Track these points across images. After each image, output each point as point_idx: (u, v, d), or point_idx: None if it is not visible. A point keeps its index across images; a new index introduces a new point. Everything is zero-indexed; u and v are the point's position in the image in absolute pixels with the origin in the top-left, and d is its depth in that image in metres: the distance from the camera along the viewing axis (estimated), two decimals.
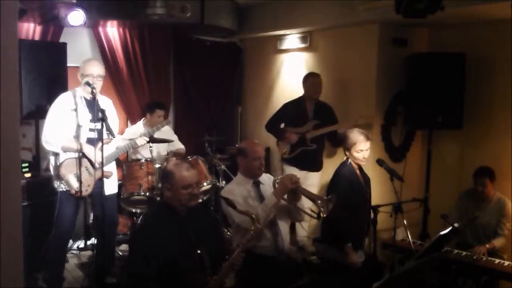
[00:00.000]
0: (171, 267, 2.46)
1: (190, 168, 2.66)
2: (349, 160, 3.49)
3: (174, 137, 5.22)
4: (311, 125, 4.79)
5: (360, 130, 3.47)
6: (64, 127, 3.65)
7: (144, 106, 5.25)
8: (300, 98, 4.97)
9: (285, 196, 2.97)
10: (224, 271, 2.55)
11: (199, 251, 2.55)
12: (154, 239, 2.49)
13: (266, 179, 3.17)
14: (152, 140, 4.33)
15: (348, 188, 3.39)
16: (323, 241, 3.73)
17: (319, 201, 2.93)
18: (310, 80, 4.89)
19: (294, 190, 2.95)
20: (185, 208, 2.62)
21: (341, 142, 4.72)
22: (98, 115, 3.48)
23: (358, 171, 3.49)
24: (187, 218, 2.63)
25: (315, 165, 4.93)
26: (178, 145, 5.22)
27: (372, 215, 3.43)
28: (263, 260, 2.98)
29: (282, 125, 5.01)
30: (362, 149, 3.36)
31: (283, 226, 3.09)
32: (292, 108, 4.95)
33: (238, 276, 3.04)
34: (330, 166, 4.65)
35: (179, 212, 2.62)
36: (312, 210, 3.16)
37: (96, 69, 3.69)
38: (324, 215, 2.89)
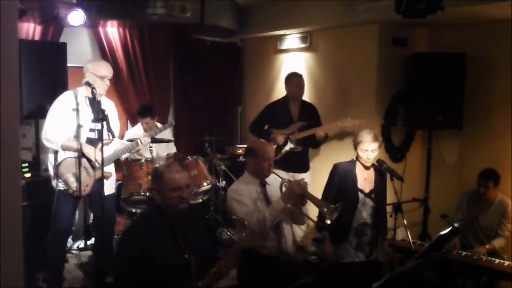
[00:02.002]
0: (156, 270, 2.42)
1: (181, 170, 2.56)
2: (355, 159, 3.48)
3: (171, 139, 5.24)
4: (297, 127, 4.69)
5: (371, 130, 3.44)
6: (65, 125, 3.65)
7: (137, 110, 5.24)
8: (283, 99, 4.89)
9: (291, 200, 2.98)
10: (210, 277, 2.47)
11: (186, 256, 2.48)
12: (140, 240, 2.44)
13: (272, 179, 3.16)
14: (152, 140, 4.33)
15: (337, 180, 3.41)
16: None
17: (325, 209, 2.92)
18: (294, 80, 4.80)
19: (301, 195, 2.95)
20: (176, 211, 2.54)
21: (318, 143, 4.73)
22: (99, 115, 3.48)
23: (365, 172, 3.44)
24: (179, 221, 2.56)
25: (301, 167, 4.84)
26: (171, 149, 5.23)
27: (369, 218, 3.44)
28: (267, 260, 2.99)
29: (266, 127, 4.90)
30: (367, 149, 3.34)
31: (287, 228, 3.10)
32: (277, 109, 4.86)
33: (242, 276, 3.05)
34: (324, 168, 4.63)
35: (170, 214, 2.55)
36: (317, 217, 3.17)
37: (110, 71, 3.74)
38: (329, 222, 2.89)
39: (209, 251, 2.67)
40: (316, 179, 5.00)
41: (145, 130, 4.90)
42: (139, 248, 2.42)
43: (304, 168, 4.90)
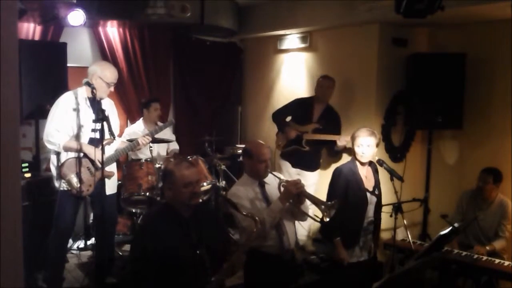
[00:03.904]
0: (171, 267, 2.46)
1: (190, 167, 2.66)
2: (353, 158, 3.49)
3: (173, 137, 5.24)
4: (311, 128, 4.79)
5: (369, 128, 3.46)
6: (66, 126, 3.65)
7: (140, 104, 5.24)
8: (311, 98, 5.01)
9: (290, 200, 2.99)
10: (224, 272, 2.54)
11: (199, 251, 2.54)
12: (154, 238, 2.48)
13: (271, 179, 3.17)
14: (153, 140, 4.34)
15: (343, 184, 3.40)
16: (322, 236, 3.73)
17: (322, 206, 2.94)
18: (320, 81, 4.91)
19: (298, 195, 2.97)
20: (187, 207, 2.61)
21: (336, 154, 4.84)
22: (99, 115, 3.48)
23: (363, 170, 3.45)
24: (190, 218, 2.62)
25: (309, 165, 4.94)
26: (173, 146, 5.23)
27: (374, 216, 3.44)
28: (269, 259, 3.00)
29: (289, 118, 5.03)
30: (362, 143, 3.34)
31: (289, 226, 3.11)
32: (301, 105, 4.98)
33: (245, 275, 3.06)
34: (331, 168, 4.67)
35: (181, 212, 2.61)
36: (315, 215, 3.17)
37: (116, 76, 3.78)
38: (327, 219, 2.90)
39: (221, 247, 2.71)
40: (324, 179, 5.02)
41: (151, 120, 4.94)
42: (153, 246, 2.45)
43: (313, 167, 4.98)
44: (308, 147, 4.79)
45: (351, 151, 4.80)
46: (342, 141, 4.56)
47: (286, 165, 4.96)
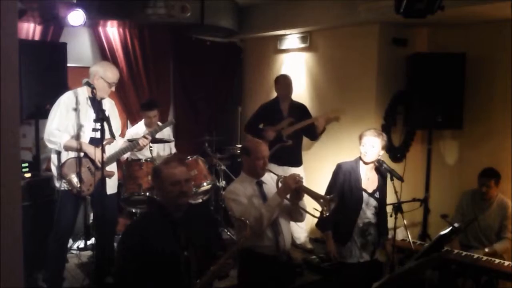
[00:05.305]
0: (156, 268, 2.41)
1: (179, 165, 2.56)
2: (359, 158, 3.48)
3: (172, 138, 5.23)
4: (286, 123, 4.97)
5: (377, 129, 3.46)
6: (67, 126, 3.66)
7: (140, 106, 5.23)
8: (275, 99, 5.20)
9: (288, 196, 2.97)
10: (209, 276, 2.47)
11: (186, 253, 2.47)
12: (140, 238, 2.42)
13: (268, 178, 3.16)
14: (153, 140, 4.33)
15: (341, 179, 3.41)
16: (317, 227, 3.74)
17: (321, 200, 2.92)
18: (280, 81, 5.16)
19: (297, 190, 2.95)
20: (178, 207, 2.53)
21: (318, 136, 5.10)
22: (99, 114, 3.49)
23: (367, 171, 3.43)
24: (180, 219, 2.54)
25: (293, 161, 5.06)
26: (172, 148, 5.23)
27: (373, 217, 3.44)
28: (265, 260, 2.99)
29: (261, 126, 5.16)
30: (366, 143, 3.35)
31: (285, 226, 3.09)
32: (269, 109, 5.15)
33: (240, 276, 3.04)
34: (317, 163, 4.64)
35: (171, 212, 2.53)
36: (315, 209, 3.15)
37: (118, 76, 3.80)
38: (327, 214, 2.89)
39: (212, 249, 2.66)
40: (309, 174, 5.08)
41: (148, 126, 4.91)
42: (139, 246, 2.41)
43: (297, 162, 5.10)
44: (290, 141, 4.93)
45: (330, 124, 5.04)
46: (320, 119, 4.87)
47: (272, 167, 4.94)
